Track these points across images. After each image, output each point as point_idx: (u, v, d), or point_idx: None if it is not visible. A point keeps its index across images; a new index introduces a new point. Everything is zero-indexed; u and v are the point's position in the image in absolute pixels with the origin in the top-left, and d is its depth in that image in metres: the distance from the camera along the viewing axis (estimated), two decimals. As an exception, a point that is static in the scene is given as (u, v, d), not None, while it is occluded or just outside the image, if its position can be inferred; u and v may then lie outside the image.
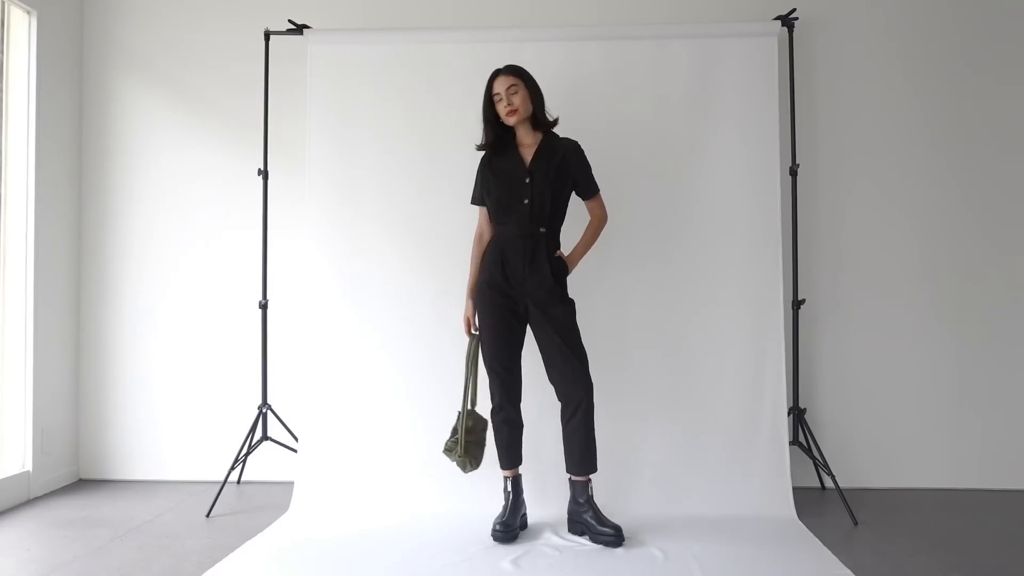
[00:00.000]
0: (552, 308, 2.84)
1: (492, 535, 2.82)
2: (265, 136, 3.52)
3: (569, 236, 3.00)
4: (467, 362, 2.94)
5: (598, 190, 3.00)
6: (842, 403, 3.56)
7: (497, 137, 2.94)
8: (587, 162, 2.96)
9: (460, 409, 2.95)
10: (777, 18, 3.40)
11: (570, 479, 2.88)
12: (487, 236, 2.97)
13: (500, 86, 2.87)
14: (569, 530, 2.88)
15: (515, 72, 2.90)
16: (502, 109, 2.87)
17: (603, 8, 3.64)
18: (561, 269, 2.91)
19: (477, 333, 2.94)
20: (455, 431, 2.93)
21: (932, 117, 3.58)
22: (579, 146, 2.96)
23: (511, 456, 2.93)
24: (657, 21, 3.58)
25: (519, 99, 2.86)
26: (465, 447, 2.89)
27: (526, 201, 2.85)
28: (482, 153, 2.99)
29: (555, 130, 2.97)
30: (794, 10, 3.40)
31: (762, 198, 3.35)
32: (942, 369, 3.56)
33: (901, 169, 3.59)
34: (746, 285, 3.34)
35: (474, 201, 3.04)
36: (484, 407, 3.00)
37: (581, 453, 2.83)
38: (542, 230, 2.86)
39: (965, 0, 3.59)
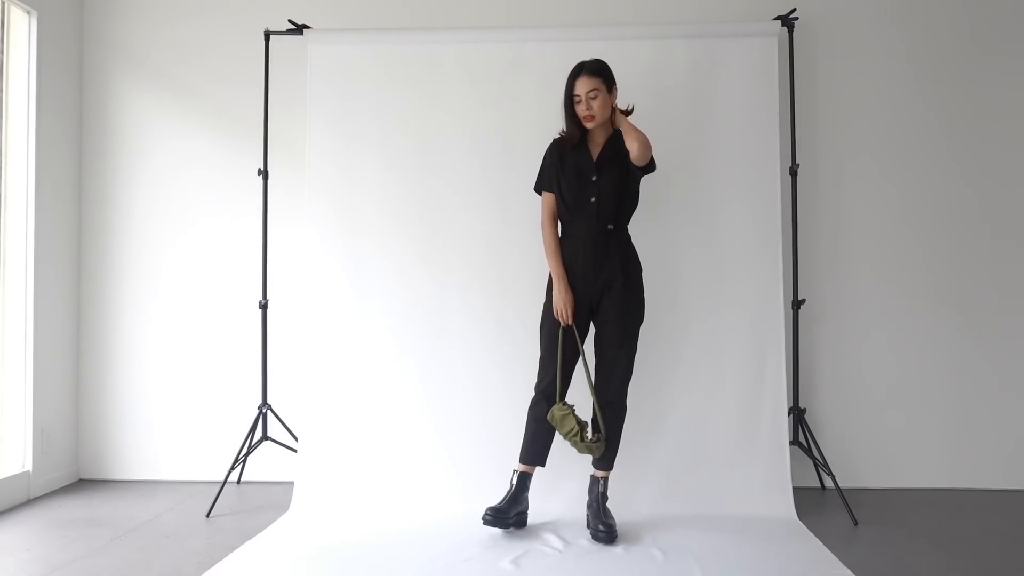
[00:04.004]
0: (619, 302, 2.86)
1: (481, 519, 2.82)
2: (265, 136, 3.51)
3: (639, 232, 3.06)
4: (561, 354, 2.85)
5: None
6: (842, 403, 3.56)
7: (579, 135, 2.90)
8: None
9: (566, 403, 2.86)
10: (777, 18, 3.40)
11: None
12: (557, 220, 2.97)
13: (581, 88, 2.83)
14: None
15: (597, 72, 2.85)
16: (580, 111, 2.85)
17: (604, 8, 3.63)
18: (631, 264, 2.91)
19: (571, 324, 2.87)
20: (581, 425, 2.81)
21: (932, 117, 3.58)
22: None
23: (532, 453, 2.92)
24: (657, 21, 3.58)
25: (598, 104, 2.83)
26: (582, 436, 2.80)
27: (593, 199, 2.86)
28: (551, 139, 2.98)
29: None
30: (794, 10, 3.40)
31: (762, 198, 3.35)
32: (942, 369, 3.56)
33: (901, 169, 3.59)
34: (746, 285, 3.34)
35: (538, 188, 3.00)
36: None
37: (606, 447, 2.89)
38: (610, 227, 2.88)
39: (965, 0, 3.59)
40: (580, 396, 2.93)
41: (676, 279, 3.36)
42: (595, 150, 2.91)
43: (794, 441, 3.32)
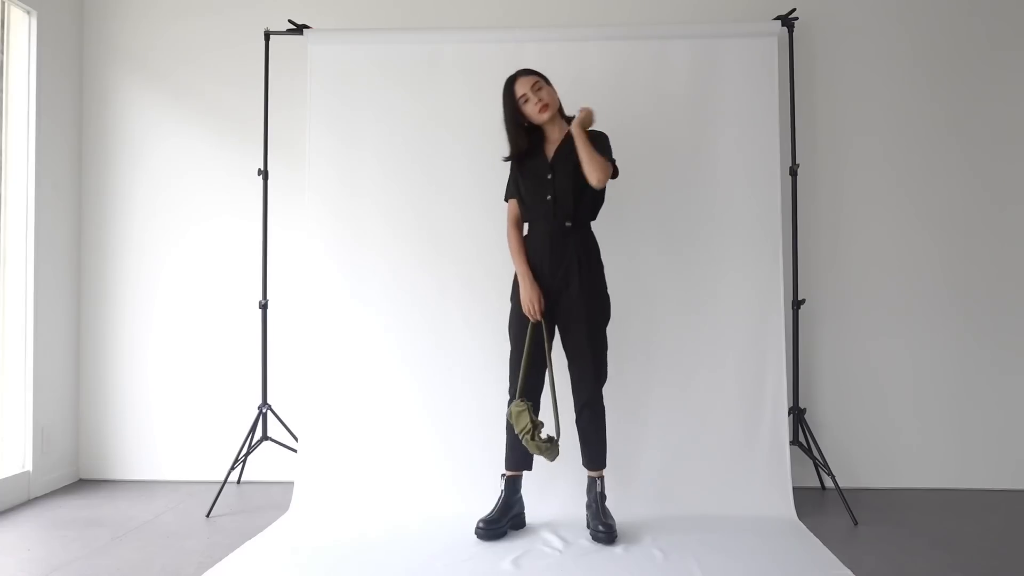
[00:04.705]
0: (578, 301, 2.83)
1: (475, 532, 2.82)
2: (265, 136, 3.52)
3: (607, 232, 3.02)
4: (527, 350, 2.82)
5: (610, 160, 2.83)
6: (842, 403, 3.56)
7: (528, 141, 2.91)
8: (604, 143, 2.85)
9: (524, 400, 2.81)
10: (777, 18, 3.40)
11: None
12: (521, 224, 2.97)
13: (523, 87, 2.84)
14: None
15: (531, 71, 2.89)
16: (532, 108, 2.84)
17: (603, 8, 3.64)
18: (592, 264, 2.87)
19: (540, 320, 2.83)
20: (534, 423, 2.76)
21: (932, 116, 3.58)
22: (601, 134, 2.86)
23: (514, 458, 2.93)
24: (657, 21, 3.58)
25: (547, 93, 2.85)
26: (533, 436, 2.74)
27: (548, 197, 2.86)
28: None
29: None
30: (794, 10, 3.40)
31: (762, 198, 3.35)
32: (942, 369, 3.56)
33: (901, 169, 3.59)
34: (746, 285, 3.34)
35: (506, 197, 3.01)
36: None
37: (589, 447, 2.88)
38: (568, 224, 2.86)
39: (965, 0, 3.59)
40: (566, 401, 2.93)
41: (676, 279, 3.36)
42: (550, 149, 2.91)
43: (794, 441, 3.32)
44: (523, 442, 2.77)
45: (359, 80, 3.45)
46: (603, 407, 2.89)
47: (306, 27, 3.46)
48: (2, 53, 3.42)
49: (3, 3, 3.39)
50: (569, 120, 2.92)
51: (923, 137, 3.58)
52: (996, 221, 3.57)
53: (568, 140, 2.87)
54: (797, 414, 3.32)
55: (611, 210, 3.34)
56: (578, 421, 2.89)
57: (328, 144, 3.44)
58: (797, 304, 3.38)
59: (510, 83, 2.88)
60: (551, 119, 2.88)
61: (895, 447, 3.55)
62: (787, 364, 3.33)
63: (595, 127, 2.90)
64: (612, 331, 3.32)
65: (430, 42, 3.47)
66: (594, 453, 2.90)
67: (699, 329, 3.34)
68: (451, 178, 3.41)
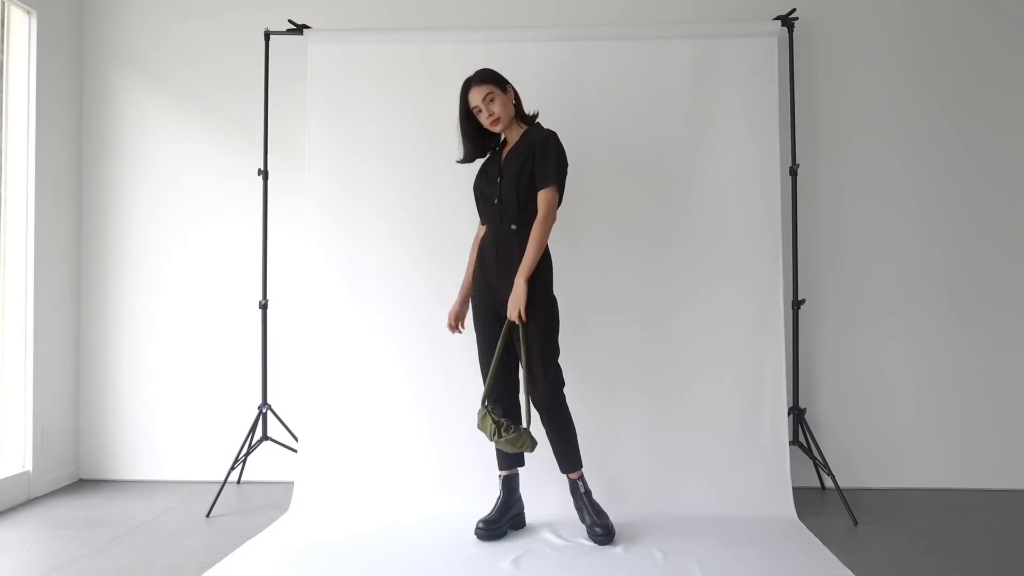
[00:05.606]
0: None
1: (475, 532, 2.83)
2: (265, 136, 3.51)
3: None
4: (499, 350, 2.82)
5: (551, 184, 2.78)
6: (842, 403, 3.56)
7: (484, 146, 2.95)
8: (552, 152, 2.80)
9: (484, 405, 2.84)
10: (777, 18, 3.40)
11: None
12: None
13: (476, 98, 2.83)
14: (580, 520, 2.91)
15: (486, 79, 2.84)
16: (485, 120, 2.85)
17: (603, 8, 3.64)
18: (537, 268, 2.78)
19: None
20: (497, 423, 2.77)
21: (932, 116, 3.58)
22: (551, 136, 2.83)
23: (503, 457, 2.94)
24: (657, 21, 3.58)
25: (497, 106, 2.82)
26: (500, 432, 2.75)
27: (496, 200, 2.86)
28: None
29: (541, 122, 2.94)
30: (794, 10, 3.40)
31: (762, 198, 3.35)
32: (942, 369, 3.56)
33: (901, 169, 3.59)
34: (746, 285, 3.34)
35: None
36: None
37: (557, 451, 2.87)
38: (513, 227, 2.83)
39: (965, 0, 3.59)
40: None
41: (676, 279, 3.35)
42: (505, 153, 2.92)
43: (794, 441, 3.32)
44: (499, 446, 2.78)
45: (359, 80, 3.45)
46: (563, 410, 2.85)
47: (306, 27, 3.46)
48: (2, 53, 3.42)
49: (3, 3, 3.39)
50: (527, 120, 2.91)
51: (924, 137, 3.58)
52: (997, 221, 3.57)
53: (518, 144, 2.88)
54: (797, 414, 3.32)
55: (611, 210, 3.35)
56: (543, 424, 2.87)
57: (328, 144, 3.44)
58: (797, 304, 3.38)
59: (464, 91, 2.86)
60: (507, 126, 2.88)
61: (895, 447, 3.55)
62: (787, 364, 3.33)
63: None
64: (611, 330, 3.32)
65: (430, 42, 3.47)
66: (563, 456, 2.86)
67: (699, 329, 3.34)
68: (451, 179, 3.40)
